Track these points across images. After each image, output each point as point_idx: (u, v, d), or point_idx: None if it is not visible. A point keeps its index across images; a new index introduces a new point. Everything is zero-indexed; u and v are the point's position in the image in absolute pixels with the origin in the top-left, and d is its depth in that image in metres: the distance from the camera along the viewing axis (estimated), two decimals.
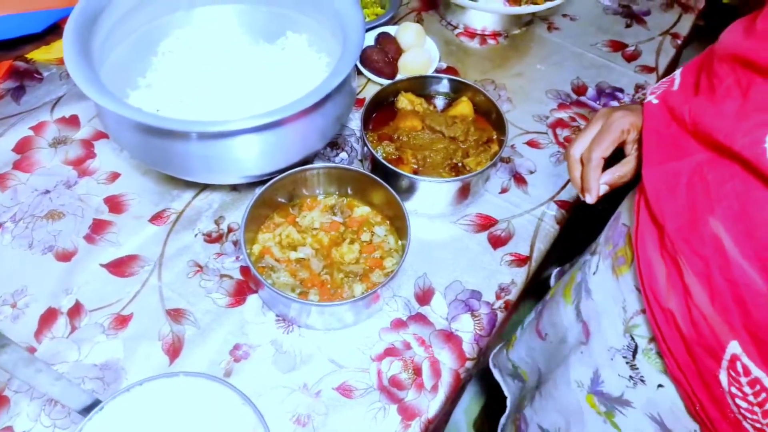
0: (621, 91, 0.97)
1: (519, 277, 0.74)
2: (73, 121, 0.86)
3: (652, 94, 0.58)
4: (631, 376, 0.57)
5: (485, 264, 0.75)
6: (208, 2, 0.83)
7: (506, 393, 0.87)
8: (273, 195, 0.71)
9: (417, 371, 0.65)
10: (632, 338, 0.57)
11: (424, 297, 0.71)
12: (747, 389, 0.45)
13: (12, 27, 0.80)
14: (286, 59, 0.80)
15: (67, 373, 0.63)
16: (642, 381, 0.56)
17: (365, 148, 0.75)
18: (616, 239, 0.62)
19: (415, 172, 0.76)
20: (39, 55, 0.88)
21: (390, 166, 0.72)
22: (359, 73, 0.93)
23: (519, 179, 0.84)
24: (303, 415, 0.62)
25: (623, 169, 0.60)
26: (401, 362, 0.66)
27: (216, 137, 0.64)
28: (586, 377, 0.63)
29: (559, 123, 0.92)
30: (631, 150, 0.61)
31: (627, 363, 0.57)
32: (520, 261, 0.75)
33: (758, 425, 0.46)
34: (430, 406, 0.63)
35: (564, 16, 1.10)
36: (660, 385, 0.54)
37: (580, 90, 0.97)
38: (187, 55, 0.81)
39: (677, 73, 0.58)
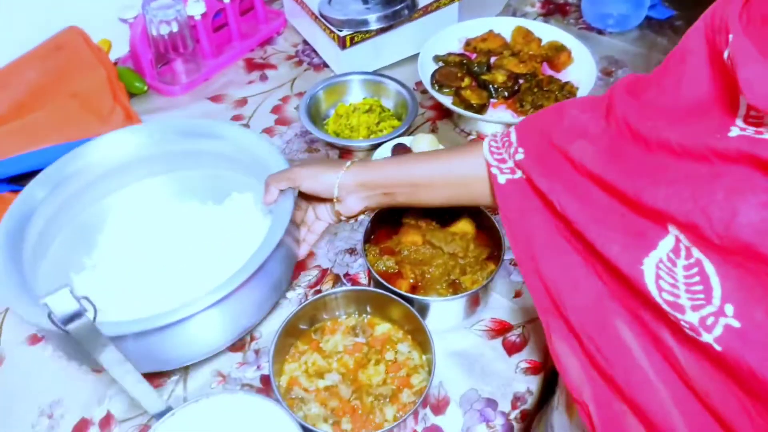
0: None
1: (534, 385, 0.74)
2: None
3: (498, 168, 0.59)
4: None
5: (500, 371, 0.75)
6: (145, 176, 0.87)
7: None
8: (295, 323, 0.73)
9: None
10: None
11: (439, 407, 0.72)
12: None
13: None
14: (232, 219, 0.83)
15: None
16: None
17: (366, 263, 0.78)
18: None
19: (414, 287, 0.78)
20: None
21: (384, 282, 0.75)
22: None
23: None
24: None
25: None
26: None
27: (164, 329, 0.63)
28: None
29: None
30: None
31: None
32: (535, 369, 0.76)
33: None
34: None
35: None
36: None
37: None
38: (132, 228, 0.83)
39: (513, 136, 0.59)
